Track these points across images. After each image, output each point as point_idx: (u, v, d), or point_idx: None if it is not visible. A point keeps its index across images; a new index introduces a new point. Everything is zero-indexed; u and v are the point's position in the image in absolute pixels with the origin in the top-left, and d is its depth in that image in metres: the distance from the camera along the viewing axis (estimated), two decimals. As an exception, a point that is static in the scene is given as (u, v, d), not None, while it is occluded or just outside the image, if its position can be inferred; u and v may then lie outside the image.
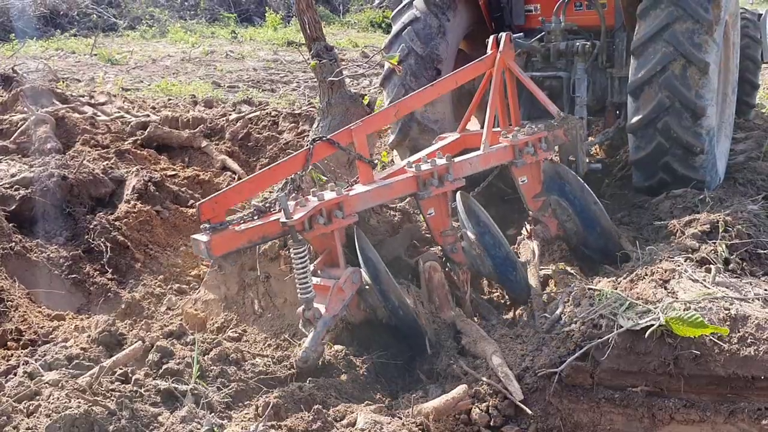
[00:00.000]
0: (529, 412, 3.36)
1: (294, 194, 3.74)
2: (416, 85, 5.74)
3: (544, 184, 4.89)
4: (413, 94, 4.74)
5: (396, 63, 5.06)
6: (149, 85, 12.13)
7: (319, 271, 3.81)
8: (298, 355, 3.66)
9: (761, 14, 7.91)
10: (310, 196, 3.75)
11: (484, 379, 3.53)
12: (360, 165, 4.11)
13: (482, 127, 4.92)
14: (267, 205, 3.62)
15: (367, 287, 3.93)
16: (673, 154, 5.31)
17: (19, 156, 6.90)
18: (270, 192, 4.28)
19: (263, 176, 3.73)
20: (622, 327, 3.35)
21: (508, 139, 4.67)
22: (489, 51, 5.04)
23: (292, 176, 3.83)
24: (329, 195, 3.75)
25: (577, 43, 5.94)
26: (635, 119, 5.36)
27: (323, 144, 3.95)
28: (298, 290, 3.62)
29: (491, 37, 5.09)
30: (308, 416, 3.20)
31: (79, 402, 3.02)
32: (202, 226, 3.42)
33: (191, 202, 6.42)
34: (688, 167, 5.33)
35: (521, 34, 5.92)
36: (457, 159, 4.36)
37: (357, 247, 3.90)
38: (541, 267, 4.72)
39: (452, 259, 4.38)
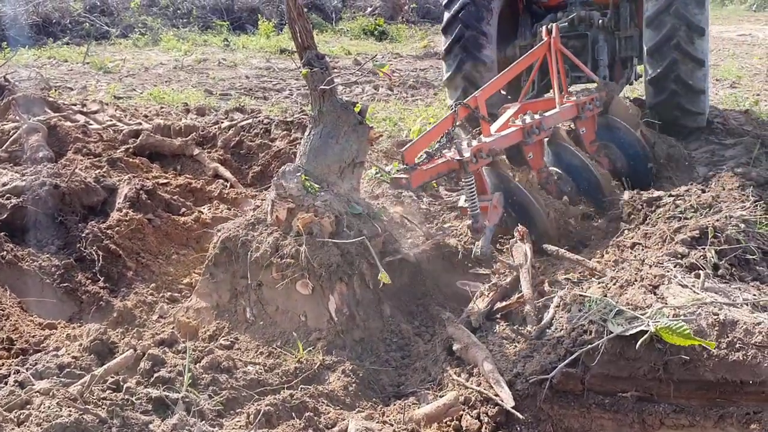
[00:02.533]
0: (521, 417, 3.38)
1: (450, 143, 5.16)
2: (476, 20, 7.95)
3: (597, 132, 6.63)
4: (496, 78, 6.39)
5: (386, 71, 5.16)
6: (141, 93, 12.11)
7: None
8: (479, 251, 4.95)
9: None
10: (459, 143, 5.14)
11: (475, 387, 3.55)
12: (482, 123, 5.70)
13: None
14: (434, 151, 5.06)
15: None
16: (682, 98, 7.33)
17: (11, 165, 6.86)
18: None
19: (432, 133, 5.25)
20: (611, 333, 3.37)
21: (574, 100, 6.41)
22: (544, 38, 6.77)
23: (447, 131, 5.29)
24: (474, 143, 5.30)
25: (596, 18, 7.87)
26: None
27: (462, 108, 5.59)
28: (468, 210, 5.11)
29: (543, 28, 6.92)
30: (300, 423, 3.21)
31: (70, 411, 3.02)
32: (399, 167, 4.85)
33: (183, 210, 6.41)
34: (693, 104, 7.41)
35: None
36: (546, 114, 6.00)
37: (498, 177, 5.51)
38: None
39: (546, 190, 5.87)
